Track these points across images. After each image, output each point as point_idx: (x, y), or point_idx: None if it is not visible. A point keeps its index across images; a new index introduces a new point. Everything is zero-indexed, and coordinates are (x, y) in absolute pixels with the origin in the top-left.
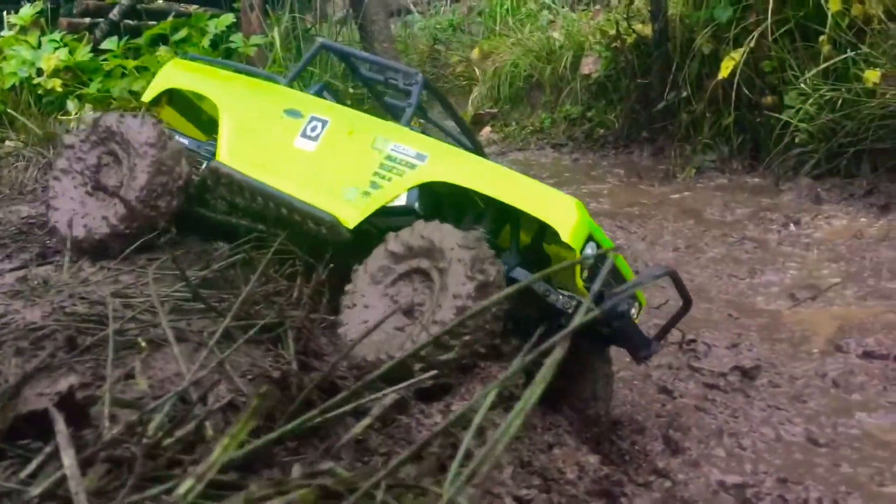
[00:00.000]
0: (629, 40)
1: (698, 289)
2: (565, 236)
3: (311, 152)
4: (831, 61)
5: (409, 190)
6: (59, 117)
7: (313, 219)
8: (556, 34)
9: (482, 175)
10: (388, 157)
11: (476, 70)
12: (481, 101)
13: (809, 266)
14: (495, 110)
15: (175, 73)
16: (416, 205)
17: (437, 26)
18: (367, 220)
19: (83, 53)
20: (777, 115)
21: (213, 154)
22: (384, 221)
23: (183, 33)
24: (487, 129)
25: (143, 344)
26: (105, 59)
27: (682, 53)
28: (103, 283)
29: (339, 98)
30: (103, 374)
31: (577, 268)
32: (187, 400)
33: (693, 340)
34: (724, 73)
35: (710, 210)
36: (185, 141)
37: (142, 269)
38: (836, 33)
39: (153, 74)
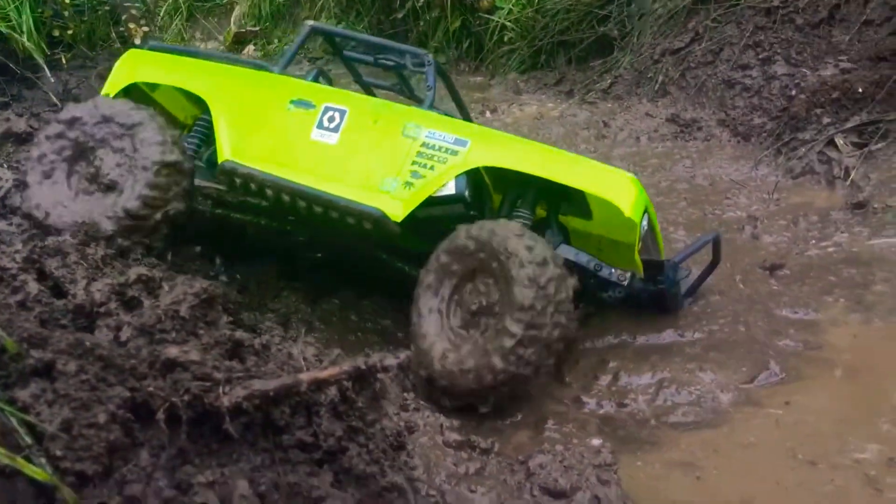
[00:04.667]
0: None
1: None
2: (627, 212)
3: (334, 145)
4: None
5: (457, 177)
6: None
7: (354, 214)
8: None
9: (531, 157)
10: (425, 145)
11: None
12: (243, 19)
13: None
14: (257, 28)
15: (141, 67)
16: (466, 192)
17: None
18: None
19: None
20: (490, 17)
21: (196, 148)
22: (430, 211)
23: None
24: (251, 47)
25: None
26: None
27: None
28: None
29: (332, 84)
30: None
31: (636, 243)
32: None
33: None
34: None
35: None
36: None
37: None
38: None
39: None
